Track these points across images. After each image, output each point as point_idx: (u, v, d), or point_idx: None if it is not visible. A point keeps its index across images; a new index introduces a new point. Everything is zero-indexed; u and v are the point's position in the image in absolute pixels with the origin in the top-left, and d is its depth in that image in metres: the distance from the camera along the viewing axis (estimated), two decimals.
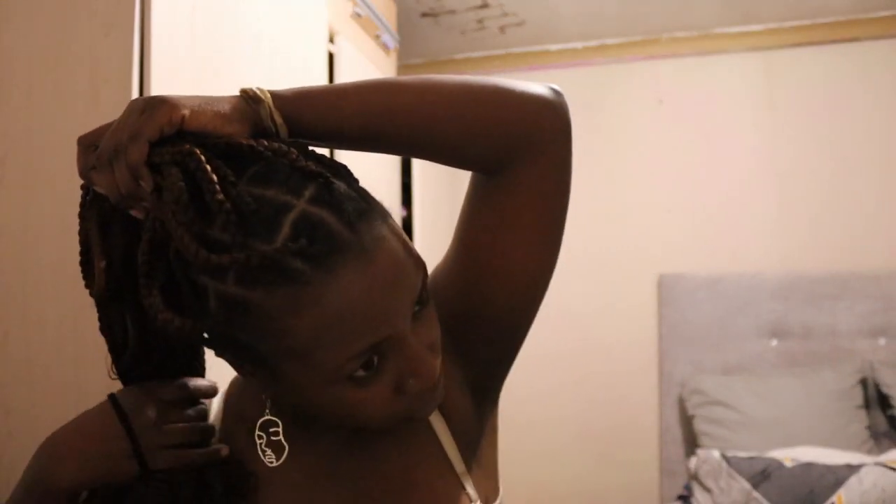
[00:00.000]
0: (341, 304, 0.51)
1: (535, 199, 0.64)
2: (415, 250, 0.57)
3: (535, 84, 0.62)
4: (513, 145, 0.61)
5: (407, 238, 0.57)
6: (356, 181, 0.58)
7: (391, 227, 0.56)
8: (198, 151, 0.52)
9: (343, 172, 0.57)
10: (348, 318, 0.51)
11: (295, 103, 0.58)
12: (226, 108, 0.56)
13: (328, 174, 0.53)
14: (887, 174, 2.64)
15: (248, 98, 0.57)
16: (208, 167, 0.51)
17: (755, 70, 2.79)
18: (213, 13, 1.27)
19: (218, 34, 1.28)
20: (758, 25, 2.77)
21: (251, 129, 0.56)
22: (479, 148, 0.61)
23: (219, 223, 0.50)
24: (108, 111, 1.10)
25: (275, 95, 0.57)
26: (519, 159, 0.62)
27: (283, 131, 0.57)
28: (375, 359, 0.54)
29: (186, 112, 0.53)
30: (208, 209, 0.50)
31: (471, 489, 0.68)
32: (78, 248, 0.61)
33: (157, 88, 1.10)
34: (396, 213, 2.07)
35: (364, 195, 0.56)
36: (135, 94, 1.08)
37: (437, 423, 0.68)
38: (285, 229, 0.50)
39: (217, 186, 0.50)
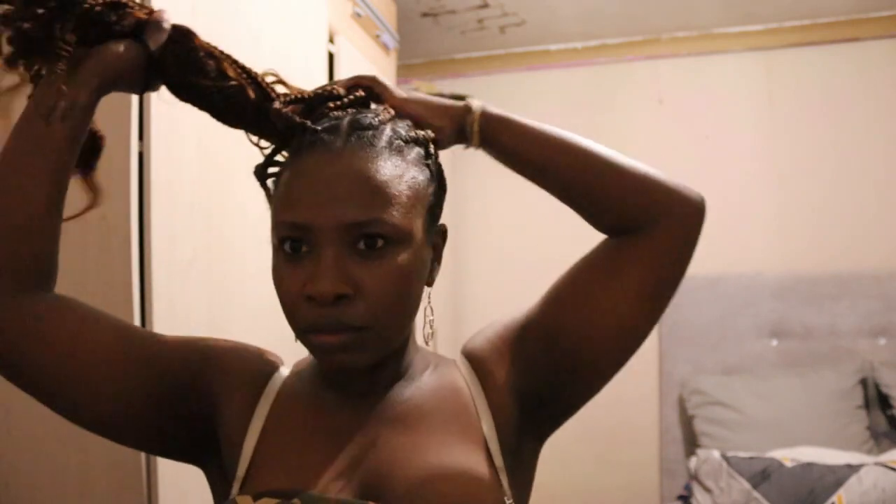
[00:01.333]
0: (295, 174, 0.66)
1: (654, 262, 0.71)
2: (396, 209, 0.64)
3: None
4: (655, 211, 0.71)
5: (393, 202, 0.65)
6: (424, 148, 0.70)
7: (382, 173, 0.65)
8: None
9: (416, 139, 0.70)
10: (291, 187, 0.66)
11: (496, 123, 0.73)
12: (442, 104, 0.73)
13: (409, 129, 0.70)
14: (888, 174, 2.64)
15: (464, 107, 0.73)
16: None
17: (755, 70, 2.79)
18: (213, 12, 1.27)
19: (217, 33, 1.27)
20: (758, 25, 2.77)
21: (456, 128, 0.72)
22: (629, 205, 0.71)
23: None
24: (108, 111, 1.10)
25: (484, 112, 0.72)
26: (656, 225, 0.71)
27: (475, 141, 0.73)
28: (304, 247, 0.64)
29: (397, 92, 0.72)
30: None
31: (506, 484, 0.69)
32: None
33: None
34: None
35: (397, 148, 0.67)
36: (134, 95, 1.08)
37: (485, 417, 0.71)
38: (325, 124, 0.68)
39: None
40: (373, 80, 0.73)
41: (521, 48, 3.00)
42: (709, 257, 2.78)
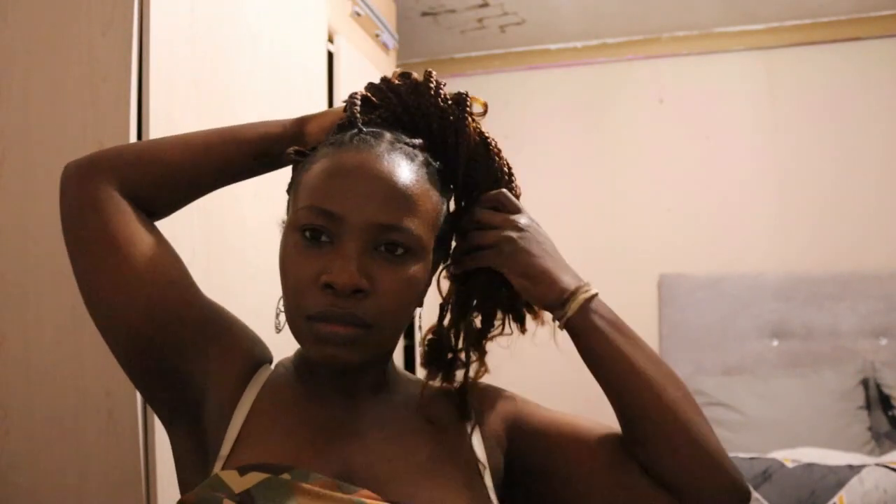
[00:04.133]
0: (336, 164, 0.67)
1: None
2: (420, 221, 0.67)
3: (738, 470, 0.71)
4: (703, 494, 0.69)
5: (423, 216, 0.68)
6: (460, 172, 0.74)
7: (416, 186, 0.68)
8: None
9: (452, 165, 0.74)
10: (330, 176, 0.67)
11: (594, 326, 0.73)
12: (558, 273, 0.74)
13: (435, 164, 0.73)
14: (889, 174, 2.64)
15: (578, 288, 0.73)
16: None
17: (756, 69, 2.79)
18: (212, 11, 1.26)
19: (217, 33, 1.28)
20: (759, 25, 2.77)
21: (559, 301, 0.73)
22: (681, 474, 0.69)
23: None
24: (107, 110, 1.10)
25: (590, 307, 0.73)
26: (684, 498, 0.69)
27: (559, 327, 0.74)
28: (324, 237, 0.66)
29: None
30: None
31: (493, 499, 0.71)
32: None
33: (155, 88, 1.10)
34: None
35: (430, 174, 0.70)
36: (133, 93, 1.07)
37: (477, 443, 0.73)
38: (369, 129, 0.71)
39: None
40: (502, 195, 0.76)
41: (521, 47, 3.00)
42: (709, 258, 2.79)
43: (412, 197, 0.67)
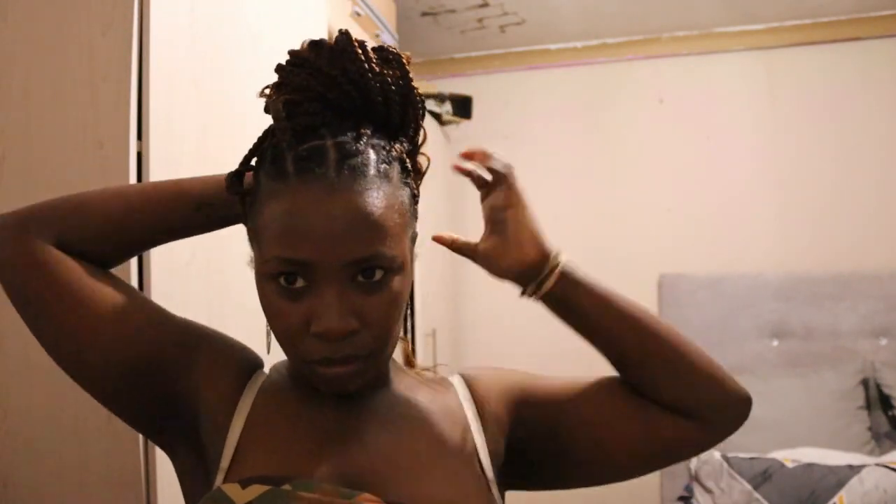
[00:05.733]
0: (290, 209, 0.62)
1: (687, 444, 0.75)
2: (391, 240, 0.64)
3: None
4: (710, 411, 0.73)
5: (397, 231, 0.65)
6: (409, 175, 0.69)
7: (378, 206, 0.63)
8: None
9: (404, 167, 0.68)
10: (288, 222, 0.63)
11: (574, 285, 0.73)
12: (537, 236, 0.73)
13: (387, 147, 0.67)
14: (889, 174, 2.64)
15: (553, 253, 0.73)
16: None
17: (756, 69, 2.79)
18: (212, 11, 1.26)
19: (217, 33, 1.27)
20: (759, 25, 2.77)
21: (536, 266, 0.72)
22: (686, 399, 0.73)
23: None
24: (107, 110, 1.10)
25: (566, 269, 0.73)
26: (705, 421, 0.73)
27: (544, 289, 0.72)
28: (300, 280, 0.63)
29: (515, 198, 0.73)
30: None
31: (495, 492, 0.71)
32: None
33: (155, 87, 1.09)
34: None
35: (384, 173, 0.65)
36: (133, 93, 1.07)
37: (477, 434, 0.74)
38: (306, 146, 0.64)
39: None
40: (509, 172, 0.74)
41: (521, 47, 3.00)
42: (710, 257, 2.79)
43: (378, 220, 0.63)
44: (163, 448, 0.76)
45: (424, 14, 2.67)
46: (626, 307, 0.74)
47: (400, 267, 0.66)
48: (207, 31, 1.25)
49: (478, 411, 0.75)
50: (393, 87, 0.67)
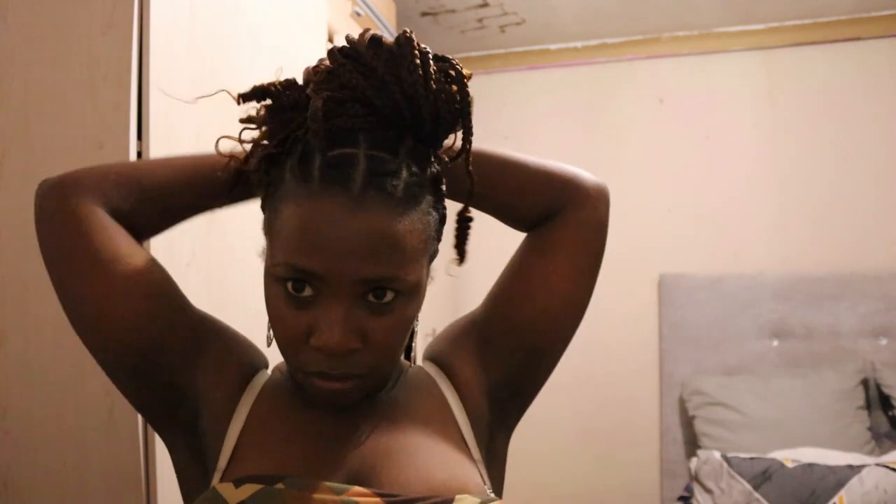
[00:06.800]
0: (308, 217, 0.61)
1: (576, 240, 0.77)
2: (407, 264, 0.63)
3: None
4: (559, 201, 0.76)
5: (415, 260, 0.63)
6: (438, 199, 0.68)
7: (399, 229, 0.61)
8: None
9: (429, 181, 0.66)
10: (303, 230, 0.61)
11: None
12: None
13: (423, 167, 0.65)
14: (889, 174, 2.64)
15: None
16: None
17: (756, 69, 2.79)
18: (213, 11, 1.26)
19: (217, 33, 1.28)
20: (759, 25, 2.77)
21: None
22: (536, 201, 0.76)
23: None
24: (107, 110, 1.10)
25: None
26: (564, 211, 0.76)
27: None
28: (308, 289, 0.62)
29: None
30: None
31: (484, 475, 0.72)
32: None
33: (155, 87, 1.10)
34: None
35: (412, 196, 0.62)
36: (133, 93, 1.07)
37: (459, 414, 0.74)
38: (338, 151, 0.61)
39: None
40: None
41: (521, 47, 3.00)
42: (709, 257, 2.79)
43: (397, 244, 0.61)
44: (163, 439, 0.76)
45: (424, 14, 2.67)
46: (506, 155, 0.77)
47: (412, 291, 0.65)
48: (207, 31, 1.25)
49: (458, 392, 0.76)
50: (447, 108, 0.62)
